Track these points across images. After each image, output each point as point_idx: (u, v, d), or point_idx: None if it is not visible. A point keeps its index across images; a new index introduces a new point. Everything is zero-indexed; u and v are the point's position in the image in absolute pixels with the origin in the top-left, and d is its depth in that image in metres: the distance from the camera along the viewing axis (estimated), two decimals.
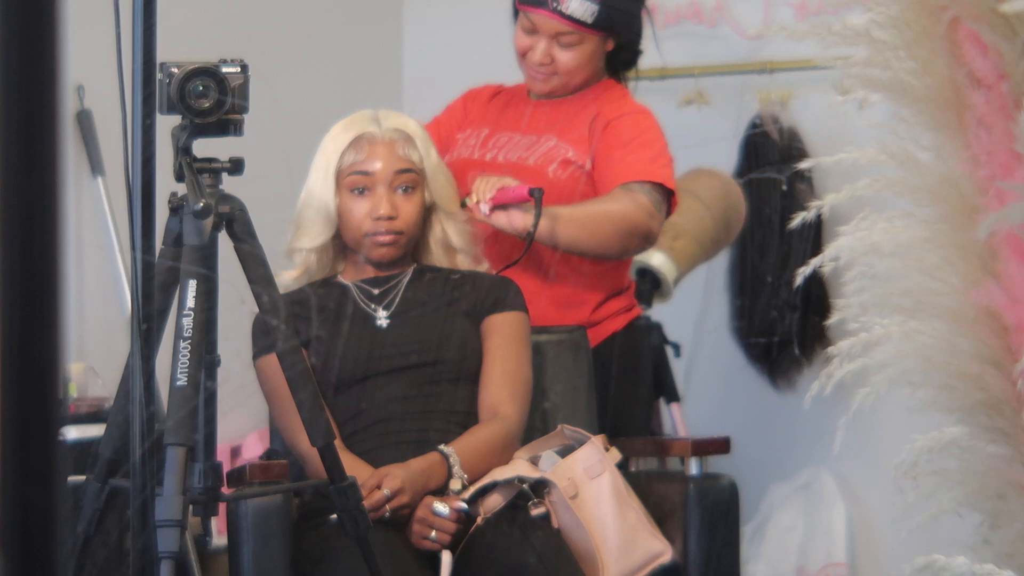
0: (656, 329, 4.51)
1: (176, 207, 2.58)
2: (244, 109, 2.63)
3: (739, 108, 4.79)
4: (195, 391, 2.52)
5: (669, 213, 3.49)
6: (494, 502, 3.05)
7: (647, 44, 5.06)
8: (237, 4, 4.72)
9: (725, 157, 4.70)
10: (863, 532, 4.62)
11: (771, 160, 4.66)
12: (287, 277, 3.27)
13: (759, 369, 4.76)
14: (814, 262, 2.10)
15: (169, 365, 2.51)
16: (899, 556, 2.03)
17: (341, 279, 3.28)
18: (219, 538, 2.90)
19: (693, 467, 3.23)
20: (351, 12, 5.18)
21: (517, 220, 3.33)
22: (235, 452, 4.30)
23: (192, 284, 2.54)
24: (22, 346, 0.96)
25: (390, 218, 3.17)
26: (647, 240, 3.43)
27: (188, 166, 2.61)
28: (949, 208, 1.87)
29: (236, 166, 2.66)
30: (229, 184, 2.66)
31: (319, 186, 3.23)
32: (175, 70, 2.59)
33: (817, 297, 4.50)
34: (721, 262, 4.73)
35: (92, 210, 4.20)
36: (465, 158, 3.61)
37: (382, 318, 3.22)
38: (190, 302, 2.54)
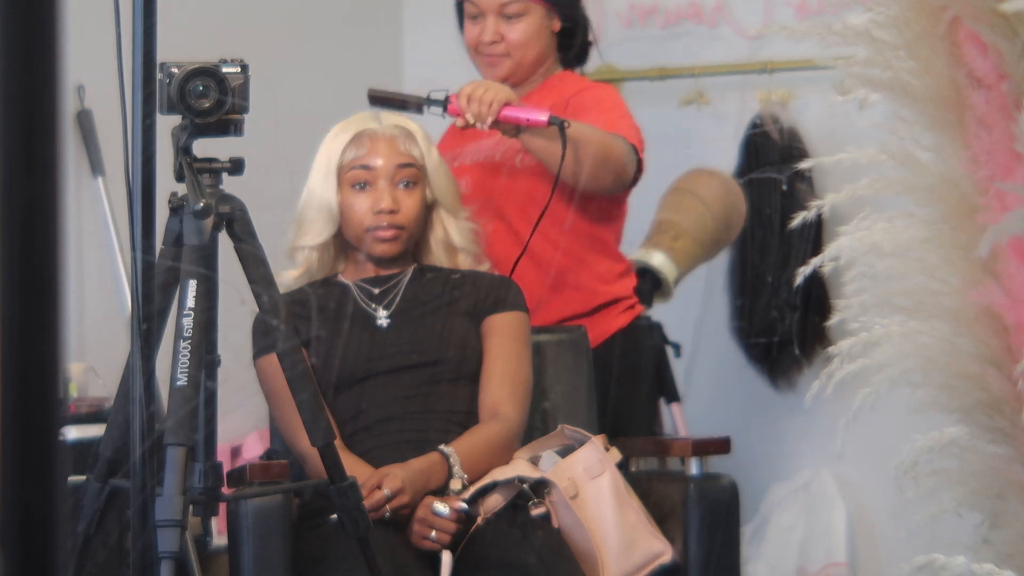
0: (656, 329, 4.51)
1: (176, 207, 2.58)
2: (244, 109, 2.63)
3: (739, 108, 4.78)
4: (195, 391, 2.52)
5: (638, 175, 3.49)
6: (494, 502, 3.05)
7: (647, 44, 5.06)
8: (237, 4, 4.72)
9: (725, 157, 4.70)
10: (863, 532, 4.62)
11: (771, 160, 4.66)
12: (288, 276, 3.27)
13: (759, 369, 4.75)
14: (814, 262, 2.10)
15: (169, 365, 2.51)
16: (899, 556, 2.03)
17: (341, 278, 3.28)
18: (219, 538, 2.90)
19: (693, 467, 3.23)
20: (351, 13, 5.18)
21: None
22: (235, 452, 4.30)
23: (192, 284, 2.54)
24: (22, 346, 0.96)
25: (392, 211, 3.18)
26: (622, 180, 3.45)
27: (188, 166, 2.61)
28: (949, 208, 1.87)
29: (236, 166, 2.66)
30: (229, 184, 2.66)
31: (320, 184, 3.23)
32: (175, 70, 2.59)
33: (817, 297, 4.50)
34: (721, 262, 4.73)
35: (92, 210, 4.20)
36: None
37: (382, 318, 3.22)
38: (190, 302, 2.54)
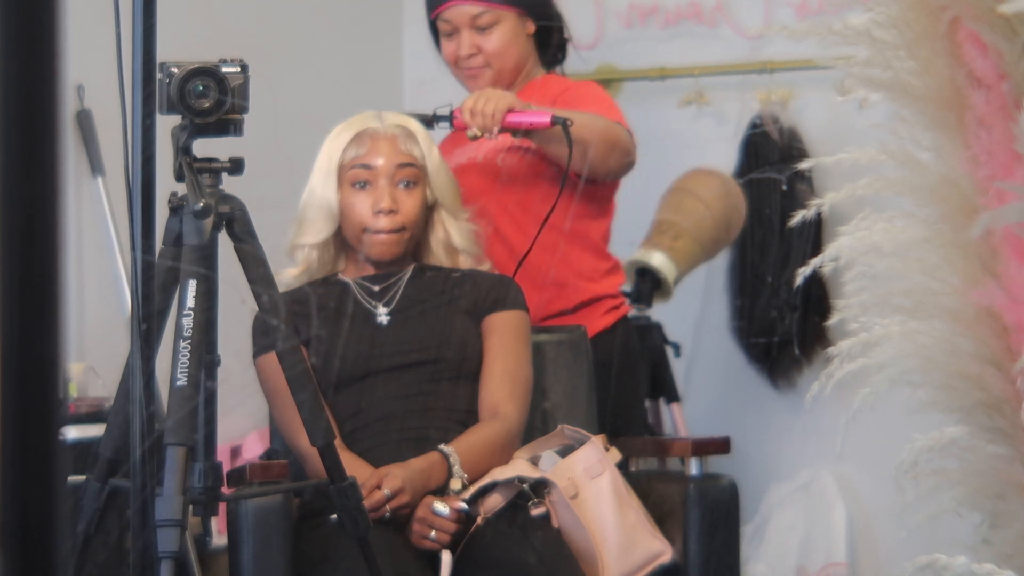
0: (656, 329, 4.51)
1: (176, 207, 2.59)
2: (244, 109, 2.63)
3: (739, 108, 4.78)
4: (195, 391, 2.52)
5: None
6: (494, 502, 3.05)
7: (647, 44, 5.06)
8: (237, 4, 4.72)
9: (725, 157, 4.70)
10: (863, 532, 4.62)
11: (771, 160, 4.66)
12: (288, 275, 3.27)
13: (759, 369, 4.75)
14: (814, 262, 2.10)
15: (169, 365, 2.51)
16: (899, 556, 2.03)
17: (341, 277, 3.28)
18: (219, 538, 2.90)
19: (693, 467, 3.23)
20: (351, 12, 5.18)
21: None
22: (235, 452, 4.30)
23: (192, 284, 2.54)
24: (22, 346, 0.96)
25: (391, 211, 3.18)
26: (629, 161, 3.49)
27: (188, 166, 2.61)
28: (949, 208, 1.87)
29: (236, 166, 2.66)
30: (229, 184, 2.66)
31: (321, 182, 3.23)
32: (175, 70, 2.59)
33: (817, 297, 4.50)
34: (721, 262, 4.73)
35: (92, 210, 4.20)
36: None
37: (383, 315, 3.22)
38: (190, 302, 2.54)
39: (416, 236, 3.26)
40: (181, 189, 2.60)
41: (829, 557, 4.57)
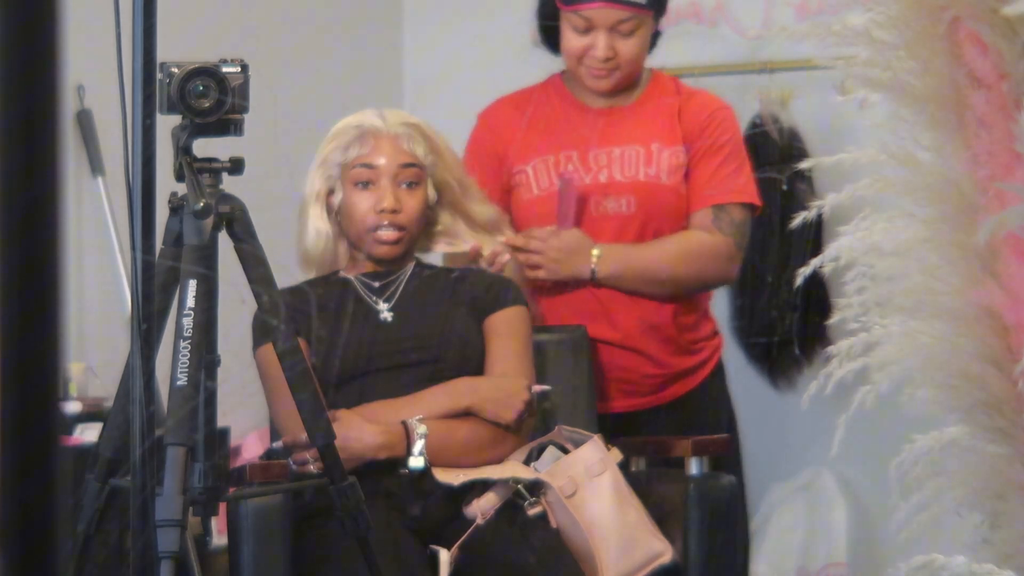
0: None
1: (176, 207, 2.58)
2: (244, 109, 2.63)
3: (739, 108, 4.78)
4: (195, 391, 2.52)
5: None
6: (489, 502, 3.05)
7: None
8: (237, 4, 4.72)
9: None
10: (863, 532, 4.61)
11: (771, 160, 4.65)
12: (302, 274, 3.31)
13: (759, 369, 4.75)
14: (814, 262, 2.10)
15: (169, 365, 2.51)
16: (899, 556, 2.03)
17: (343, 274, 3.28)
18: (219, 538, 2.90)
19: (693, 467, 3.23)
20: (351, 12, 5.18)
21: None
22: (235, 452, 4.30)
23: (192, 284, 2.54)
24: (22, 346, 0.96)
25: (394, 211, 3.18)
26: (723, 283, 3.57)
27: (188, 166, 2.61)
28: (949, 208, 1.87)
29: (236, 166, 2.66)
30: (229, 184, 2.66)
31: (320, 179, 3.24)
32: (175, 70, 2.59)
33: (817, 297, 4.50)
34: None
35: (92, 210, 4.20)
36: (568, 186, 3.51)
37: (384, 311, 3.22)
38: (190, 302, 2.54)
39: (417, 235, 3.26)
40: (181, 189, 2.60)
41: (829, 557, 4.57)
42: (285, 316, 2.69)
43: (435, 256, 3.45)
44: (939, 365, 1.90)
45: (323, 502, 2.83)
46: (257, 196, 2.73)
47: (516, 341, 3.23)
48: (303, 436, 2.84)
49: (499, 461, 3.14)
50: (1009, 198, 1.80)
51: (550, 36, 3.61)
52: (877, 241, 1.95)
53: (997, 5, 1.78)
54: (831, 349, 2.03)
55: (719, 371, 3.61)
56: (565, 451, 3.18)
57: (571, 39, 3.50)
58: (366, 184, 3.19)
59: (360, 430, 3.00)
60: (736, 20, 4.84)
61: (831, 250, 2.02)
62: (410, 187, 3.21)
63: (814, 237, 4.47)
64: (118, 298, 4.20)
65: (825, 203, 2.07)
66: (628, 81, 3.54)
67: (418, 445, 3.03)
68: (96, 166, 4.19)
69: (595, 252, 3.40)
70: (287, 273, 3.25)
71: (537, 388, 3.23)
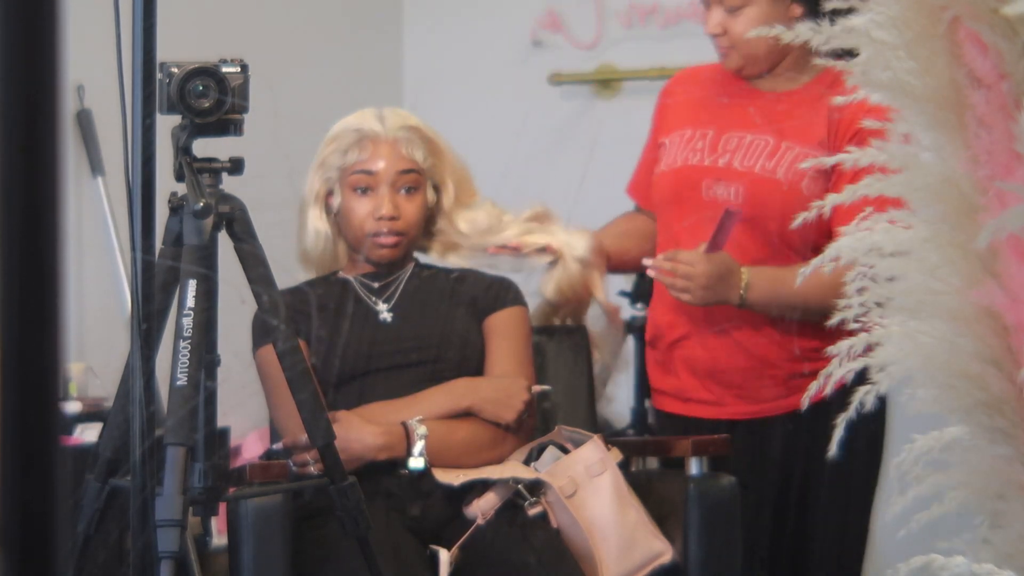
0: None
1: (176, 207, 2.59)
2: (244, 109, 2.64)
3: None
4: (195, 391, 2.52)
5: None
6: (489, 502, 3.05)
7: (647, 44, 5.05)
8: (237, 4, 4.72)
9: None
10: None
11: None
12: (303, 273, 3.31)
13: None
14: (814, 262, 2.10)
15: (169, 365, 2.51)
16: (899, 556, 2.03)
17: (342, 275, 3.28)
18: (219, 538, 2.90)
19: (693, 467, 3.23)
20: (351, 12, 5.18)
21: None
22: (235, 452, 4.30)
23: (192, 284, 2.54)
24: (22, 346, 0.96)
25: (392, 218, 3.18)
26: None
27: (188, 166, 2.61)
28: (949, 208, 1.86)
29: (236, 166, 2.66)
30: (229, 184, 2.66)
31: (316, 177, 3.24)
32: (175, 70, 2.59)
33: None
34: None
35: (92, 210, 4.20)
36: (694, 165, 3.33)
37: (384, 311, 3.22)
38: (190, 302, 2.54)
39: (416, 240, 3.26)
40: (181, 189, 2.60)
41: None
42: (285, 316, 2.69)
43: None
44: (939, 365, 1.90)
45: (323, 502, 2.83)
46: (257, 196, 2.73)
47: (516, 341, 3.23)
48: (303, 437, 2.84)
49: (499, 461, 3.14)
50: (1009, 198, 1.80)
51: None
52: (877, 241, 1.95)
53: (997, 5, 1.78)
54: (831, 349, 2.03)
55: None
56: (565, 451, 3.19)
57: (704, 15, 3.35)
58: (365, 190, 3.19)
59: (360, 431, 3.00)
60: None
61: (831, 250, 2.01)
62: (409, 192, 3.21)
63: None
64: (118, 298, 4.21)
65: (825, 203, 2.07)
66: (755, 67, 3.28)
67: (418, 446, 3.04)
68: (96, 166, 4.19)
69: (744, 278, 3.18)
70: (287, 273, 3.25)
71: (537, 388, 3.23)
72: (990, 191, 1.84)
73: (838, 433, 2.03)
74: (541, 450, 3.20)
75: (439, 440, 3.06)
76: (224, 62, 2.64)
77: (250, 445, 4.31)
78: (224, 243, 2.63)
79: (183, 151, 2.62)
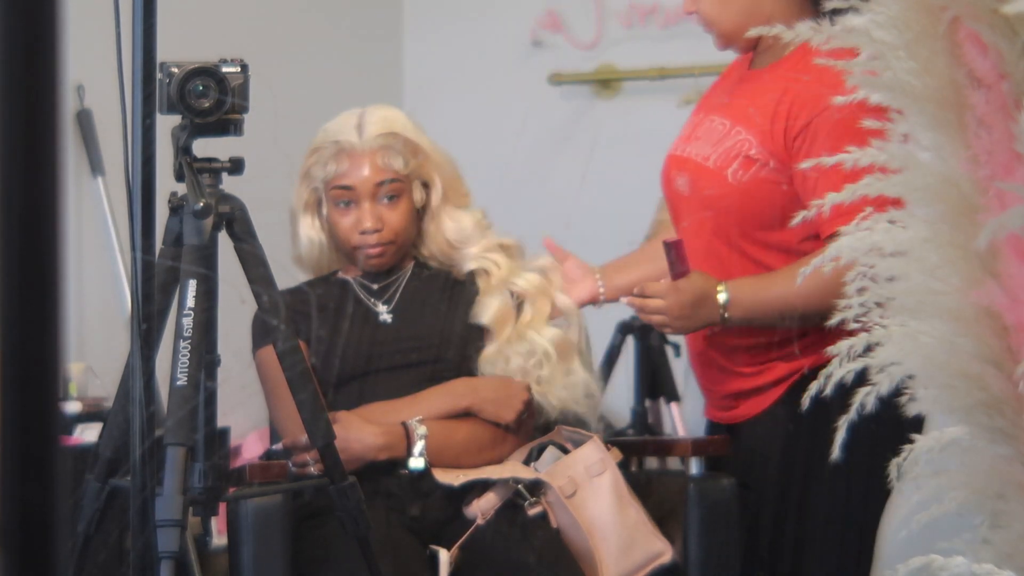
0: (656, 329, 4.50)
1: (176, 207, 2.59)
2: (244, 109, 2.64)
3: None
4: (195, 391, 2.52)
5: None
6: (489, 502, 3.05)
7: (647, 44, 5.04)
8: (237, 4, 4.72)
9: None
10: None
11: None
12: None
13: None
14: (814, 262, 2.10)
15: (169, 365, 2.51)
16: (899, 556, 2.03)
17: (341, 275, 3.28)
18: (219, 538, 2.90)
19: (693, 467, 3.23)
20: (351, 12, 5.18)
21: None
22: (235, 452, 4.30)
23: (192, 284, 2.54)
24: (22, 346, 0.96)
25: (376, 230, 3.17)
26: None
27: (188, 166, 2.61)
28: (949, 208, 1.87)
29: (236, 166, 2.66)
30: (229, 184, 2.66)
31: (303, 188, 3.24)
32: (175, 70, 2.59)
33: None
34: None
35: (92, 210, 4.20)
36: (670, 154, 3.19)
37: (383, 312, 3.22)
38: (190, 302, 2.54)
39: (407, 243, 3.24)
40: (181, 189, 2.60)
41: None
42: (285, 316, 2.69)
43: None
44: (939, 365, 1.90)
45: (323, 502, 2.83)
46: (257, 196, 2.73)
47: None
48: (303, 438, 2.84)
49: (499, 461, 3.14)
50: (1009, 198, 1.80)
51: None
52: (877, 241, 1.95)
53: (997, 5, 1.78)
54: (831, 349, 2.03)
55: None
56: (565, 451, 3.19)
57: None
58: (347, 203, 3.18)
59: (360, 431, 3.00)
60: None
61: (831, 250, 2.01)
62: (391, 200, 3.19)
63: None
64: (118, 298, 4.21)
65: (825, 203, 2.07)
66: (730, 41, 3.09)
67: (418, 446, 3.04)
68: (96, 166, 4.19)
69: (721, 297, 2.97)
70: (287, 273, 3.25)
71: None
72: (990, 191, 1.84)
73: (839, 435, 2.03)
74: (541, 450, 3.20)
75: (439, 440, 3.06)
76: (224, 62, 2.64)
77: (250, 445, 4.31)
78: (224, 243, 2.63)
79: (183, 151, 2.62)
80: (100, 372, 3.99)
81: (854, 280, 2.01)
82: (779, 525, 3.09)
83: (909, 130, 1.93)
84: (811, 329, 2.98)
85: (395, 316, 3.22)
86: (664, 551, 3.11)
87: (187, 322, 2.53)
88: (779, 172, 2.99)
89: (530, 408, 3.17)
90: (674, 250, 3.01)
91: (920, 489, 2.00)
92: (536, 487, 3.09)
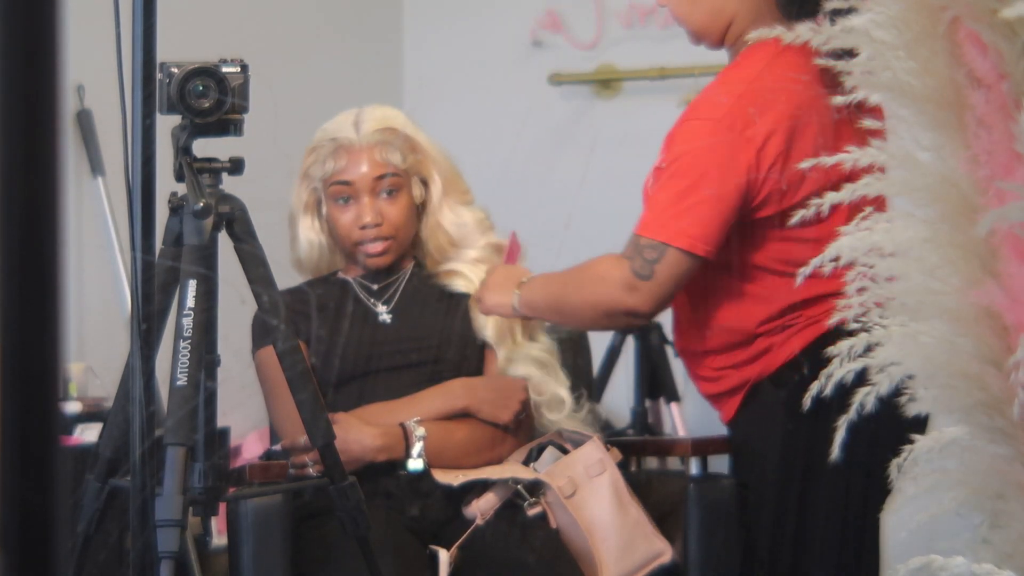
0: (656, 329, 4.50)
1: (176, 207, 2.59)
2: (244, 109, 2.64)
3: None
4: (195, 391, 2.52)
5: (703, 262, 2.85)
6: (489, 502, 3.05)
7: (647, 44, 5.04)
8: (237, 4, 4.72)
9: None
10: None
11: None
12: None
13: None
14: (814, 262, 2.10)
15: (169, 365, 2.51)
16: (899, 556, 2.03)
17: (341, 275, 3.28)
18: (219, 538, 2.90)
19: (693, 467, 3.23)
20: (351, 12, 5.18)
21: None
22: (235, 452, 4.30)
23: (192, 284, 2.54)
24: (22, 346, 0.96)
25: (376, 225, 3.17)
26: (630, 317, 2.90)
27: (188, 166, 2.61)
28: (949, 208, 1.87)
29: (236, 166, 2.66)
30: (229, 184, 2.66)
31: (304, 191, 3.24)
32: (175, 70, 2.59)
33: None
34: None
35: (92, 210, 4.20)
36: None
37: (383, 313, 3.22)
38: (190, 302, 2.54)
39: (408, 239, 3.24)
40: (181, 189, 2.60)
41: None
42: (285, 316, 2.70)
43: None
44: (939, 365, 1.90)
45: (323, 502, 2.83)
46: (257, 196, 2.73)
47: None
48: (302, 439, 2.84)
49: (498, 462, 3.14)
50: (1009, 197, 1.80)
51: None
52: (877, 241, 1.95)
53: (997, 5, 1.78)
54: (831, 349, 2.03)
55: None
56: (565, 451, 3.19)
57: None
58: (347, 199, 3.19)
59: (359, 432, 3.00)
60: None
61: (831, 250, 2.01)
62: (391, 195, 3.19)
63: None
64: (118, 298, 4.21)
65: (825, 203, 2.07)
66: (695, 36, 3.01)
67: (416, 447, 3.04)
68: (96, 166, 4.19)
69: (520, 287, 3.04)
70: (287, 273, 3.25)
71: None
72: (990, 191, 1.84)
73: (839, 436, 2.03)
74: (541, 450, 3.20)
75: (438, 441, 3.06)
76: (224, 62, 2.64)
77: (250, 445, 4.30)
78: (224, 243, 2.63)
79: (183, 151, 2.62)
80: (100, 372, 3.99)
81: (854, 280, 2.01)
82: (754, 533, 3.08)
83: (909, 130, 1.93)
84: (759, 340, 2.97)
85: (395, 316, 3.22)
86: (664, 551, 3.10)
87: (187, 322, 2.53)
88: None
89: (528, 408, 3.17)
90: (510, 240, 3.17)
91: (917, 488, 2.00)
92: (535, 487, 3.09)
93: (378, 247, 3.18)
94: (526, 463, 3.16)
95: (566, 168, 5.25)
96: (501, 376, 3.17)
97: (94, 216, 4.20)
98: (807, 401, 2.13)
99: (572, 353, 3.48)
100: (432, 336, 3.19)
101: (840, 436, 2.05)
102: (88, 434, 3.69)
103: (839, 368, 2.00)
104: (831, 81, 2.63)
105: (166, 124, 2.48)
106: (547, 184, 5.27)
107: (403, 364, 3.16)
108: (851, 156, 2.00)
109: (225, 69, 2.62)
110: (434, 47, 5.38)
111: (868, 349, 1.99)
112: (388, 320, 3.21)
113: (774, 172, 2.83)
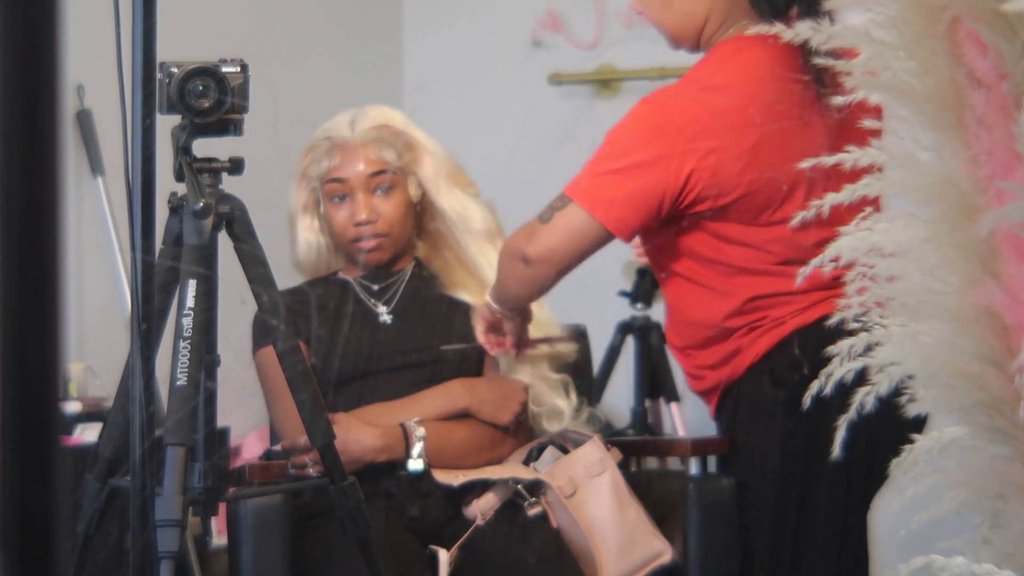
0: (656, 329, 4.50)
1: (176, 207, 2.59)
2: (244, 109, 2.64)
3: None
4: (195, 391, 2.52)
5: (611, 236, 2.90)
6: (489, 502, 3.05)
7: (647, 44, 5.04)
8: (237, 4, 4.72)
9: None
10: None
11: None
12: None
13: None
14: (814, 262, 2.10)
15: (169, 365, 2.51)
16: (898, 556, 2.03)
17: (342, 275, 3.28)
18: (219, 538, 2.90)
19: (693, 467, 3.23)
20: (351, 12, 5.18)
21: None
22: (235, 452, 4.30)
23: (192, 284, 2.54)
24: (22, 346, 0.96)
25: (370, 221, 3.17)
26: (524, 264, 2.90)
27: (188, 166, 2.61)
28: (949, 208, 1.86)
29: (236, 166, 2.66)
30: (229, 184, 2.66)
31: (301, 189, 3.24)
32: (175, 70, 2.59)
33: None
34: None
35: (92, 210, 4.20)
36: None
37: (384, 314, 3.22)
38: (190, 302, 2.54)
39: (404, 237, 3.24)
40: (181, 189, 2.60)
41: None
42: (285, 316, 2.70)
43: None
44: (939, 365, 1.90)
45: (323, 502, 2.83)
46: (257, 196, 2.73)
47: None
48: (302, 440, 2.84)
49: (498, 462, 3.14)
50: (1009, 198, 1.80)
51: None
52: (877, 241, 1.95)
53: (997, 5, 1.78)
54: (831, 349, 2.03)
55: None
56: (565, 451, 3.19)
57: None
58: (342, 197, 3.19)
59: (359, 433, 3.00)
60: None
61: (831, 250, 2.01)
62: (386, 192, 3.19)
63: None
64: (118, 298, 4.21)
65: (825, 203, 2.07)
66: (673, 40, 3.02)
67: (416, 447, 3.04)
68: (96, 166, 4.19)
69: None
70: (287, 273, 3.25)
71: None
72: (990, 191, 1.84)
73: (839, 435, 2.03)
74: (541, 450, 3.20)
75: (437, 441, 3.06)
76: (224, 62, 2.64)
77: (250, 445, 4.30)
78: (224, 243, 2.63)
79: (183, 151, 2.62)
80: (100, 372, 3.99)
81: (854, 280, 2.01)
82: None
83: (909, 130, 1.93)
84: (731, 339, 2.99)
85: (395, 317, 3.22)
86: (664, 551, 3.10)
87: (187, 322, 2.53)
88: None
89: (527, 409, 3.17)
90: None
91: (917, 488, 2.00)
92: (536, 487, 3.09)
93: (372, 244, 3.18)
94: (526, 463, 3.16)
95: (566, 168, 5.25)
96: (501, 377, 3.17)
97: (94, 216, 4.20)
98: (806, 400, 2.13)
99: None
100: (432, 337, 3.19)
101: (840, 436, 2.05)
102: (88, 434, 3.69)
103: (839, 368, 2.00)
104: (793, 77, 2.65)
105: (166, 124, 2.48)
106: (547, 184, 5.26)
107: (403, 364, 3.16)
108: (851, 156, 2.00)
109: (225, 69, 2.62)
110: (434, 47, 5.38)
111: (868, 349, 1.99)
112: (388, 320, 3.21)
113: (705, 169, 2.85)
